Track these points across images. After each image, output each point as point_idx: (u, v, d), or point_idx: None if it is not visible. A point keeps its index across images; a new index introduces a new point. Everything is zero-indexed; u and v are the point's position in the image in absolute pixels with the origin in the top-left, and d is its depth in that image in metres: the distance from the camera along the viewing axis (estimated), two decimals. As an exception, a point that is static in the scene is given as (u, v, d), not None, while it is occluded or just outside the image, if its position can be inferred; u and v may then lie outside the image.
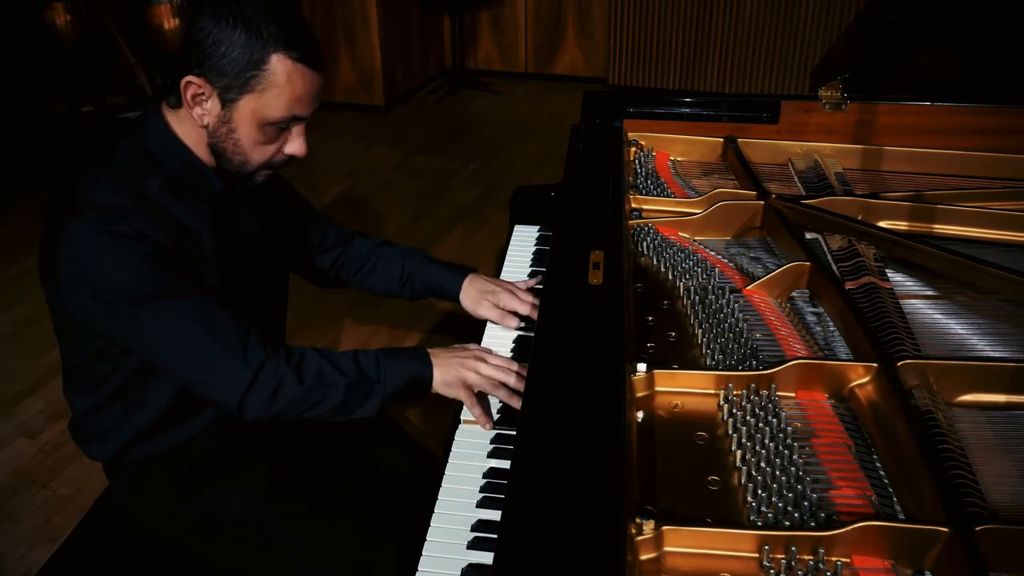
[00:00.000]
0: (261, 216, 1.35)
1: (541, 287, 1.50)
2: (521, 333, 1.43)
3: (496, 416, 1.24)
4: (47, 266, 1.17)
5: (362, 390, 1.20)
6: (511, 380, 1.24)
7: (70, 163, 1.21)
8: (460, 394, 1.23)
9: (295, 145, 1.20)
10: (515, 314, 1.45)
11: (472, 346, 1.32)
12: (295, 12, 1.15)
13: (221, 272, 1.24)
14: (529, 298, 1.46)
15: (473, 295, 1.48)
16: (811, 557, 0.87)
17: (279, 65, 1.11)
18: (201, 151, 1.20)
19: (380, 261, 1.55)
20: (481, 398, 1.24)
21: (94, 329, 1.19)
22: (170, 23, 4.24)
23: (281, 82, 1.12)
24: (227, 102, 1.13)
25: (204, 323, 1.15)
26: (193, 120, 1.17)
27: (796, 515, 0.92)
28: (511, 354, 1.38)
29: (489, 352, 1.30)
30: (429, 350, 1.27)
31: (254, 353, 1.16)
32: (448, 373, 1.24)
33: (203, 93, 1.13)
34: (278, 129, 1.17)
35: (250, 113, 1.13)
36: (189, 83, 1.12)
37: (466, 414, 1.24)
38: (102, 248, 1.10)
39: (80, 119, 4.64)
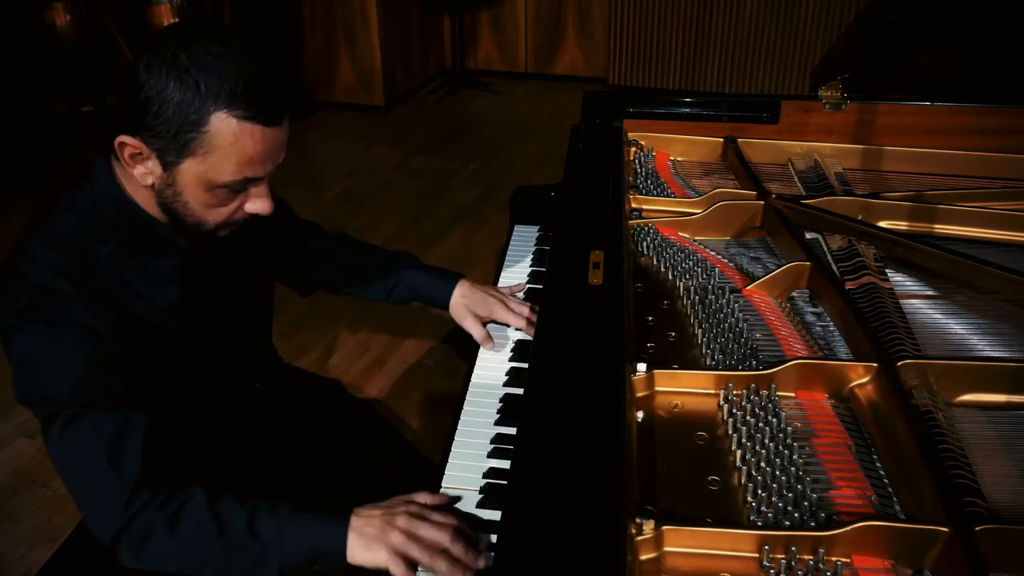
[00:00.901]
0: (233, 255, 1.25)
1: (533, 293, 1.51)
2: (521, 336, 1.42)
3: (496, 416, 1.24)
4: None
5: (246, 553, 1.01)
6: (456, 549, 0.98)
7: (49, 181, 1.13)
8: (381, 557, 0.99)
9: (256, 205, 1.06)
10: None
11: (417, 496, 1.06)
12: (253, 54, 0.99)
13: (188, 324, 1.17)
14: (522, 310, 1.42)
15: (461, 306, 1.43)
16: (811, 557, 0.87)
17: (221, 125, 0.96)
18: (155, 210, 1.08)
19: (367, 268, 1.50)
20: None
21: None
22: (170, 23, 4.25)
23: (226, 144, 0.97)
24: (168, 165, 1.00)
25: (109, 444, 1.02)
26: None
27: (796, 515, 0.92)
28: (511, 354, 1.38)
29: (427, 509, 1.04)
30: (356, 510, 1.04)
31: (139, 494, 1.02)
32: (367, 535, 1.01)
33: (141, 153, 1.00)
34: (231, 191, 1.04)
35: (194, 177, 1.00)
36: (122, 144, 0.99)
37: (465, 414, 1.24)
38: (32, 341, 1.02)
39: (80, 119, 4.64)
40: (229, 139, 0.97)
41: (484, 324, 1.42)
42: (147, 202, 1.08)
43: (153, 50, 0.96)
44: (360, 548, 1.01)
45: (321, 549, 1.01)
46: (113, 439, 1.03)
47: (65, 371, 1.02)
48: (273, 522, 1.02)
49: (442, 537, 0.99)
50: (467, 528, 1.02)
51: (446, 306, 1.46)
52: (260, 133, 0.99)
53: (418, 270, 1.50)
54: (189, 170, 1.00)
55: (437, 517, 1.02)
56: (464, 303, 1.44)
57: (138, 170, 1.02)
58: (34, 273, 1.03)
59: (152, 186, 1.04)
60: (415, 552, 0.98)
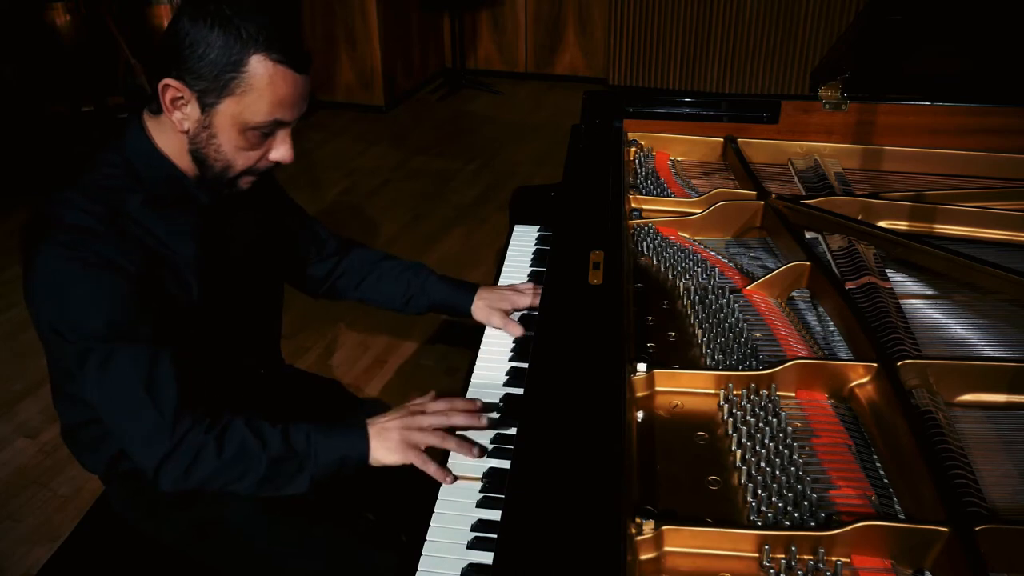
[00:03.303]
0: (253, 222, 1.33)
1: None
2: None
3: (496, 416, 1.23)
4: (24, 286, 1.14)
5: (288, 466, 1.14)
6: (456, 420, 1.18)
7: (51, 180, 1.18)
8: (409, 456, 1.15)
9: (281, 151, 1.15)
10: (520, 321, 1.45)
11: (414, 402, 1.23)
12: (281, 11, 1.10)
13: (205, 284, 1.21)
14: (531, 288, 1.48)
15: (483, 307, 1.48)
16: (811, 557, 0.87)
17: (259, 67, 1.06)
18: (184, 162, 1.16)
19: (384, 275, 1.52)
20: (436, 453, 1.16)
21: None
22: (170, 23, 4.23)
23: (262, 85, 1.07)
24: (206, 106, 1.09)
25: (145, 376, 1.09)
26: (174, 126, 1.12)
27: (796, 515, 0.92)
28: (511, 354, 1.38)
29: (427, 403, 1.22)
30: (368, 420, 1.19)
31: (183, 420, 1.11)
32: (388, 440, 1.16)
33: (181, 97, 1.09)
34: (261, 134, 1.12)
35: (230, 118, 1.09)
36: (167, 86, 1.08)
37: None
38: (65, 277, 1.07)
39: (80, 119, 4.64)
40: (264, 80, 1.07)
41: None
42: (176, 155, 1.16)
43: (193, 5, 1.06)
44: (381, 450, 1.16)
45: (348, 456, 1.16)
46: (148, 372, 1.10)
47: (98, 308, 1.08)
48: (304, 437, 1.16)
49: (443, 420, 1.17)
50: (466, 404, 1.21)
51: (467, 313, 1.50)
52: (291, 77, 1.09)
53: (437, 280, 1.52)
54: (226, 111, 1.08)
55: (435, 406, 1.20)
56: (484, 304, 1.48)
57: (176, 115, 1.10)
58: (67, 215, 1.10)
59: (187, 132, 1.12)
60: (429, 439, 1.16)
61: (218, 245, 1.24)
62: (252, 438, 1.13)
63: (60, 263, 1.07)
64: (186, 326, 1.18)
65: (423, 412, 1.19)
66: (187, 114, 1.10)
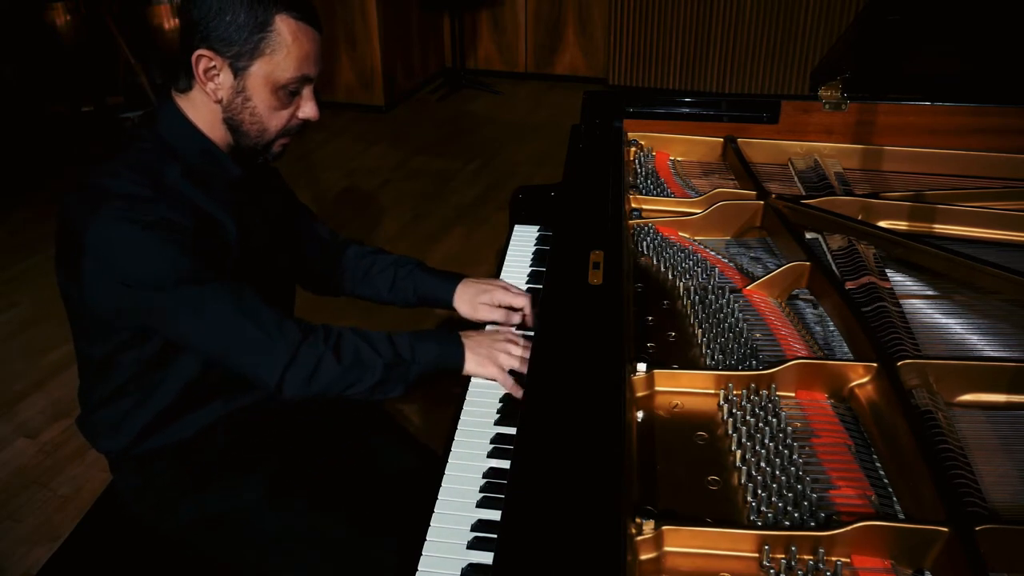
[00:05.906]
0: (278, 206, 1.38)
1: (533, 293, 1.51)
2: (522, 333, 1.42)
3: (496, 416, 1.24)
4: (67, 261, 1.17)
5: (398, 371, 1.24)
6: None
7: (88, 158, 1.20)
8: (492, 372, 1.27)
9: (308, 108, 1.22)
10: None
11: (503, 330, 1.37)
12: None
13: (242, 260, 1.24)
14: (523, 292, 1.47)
15: (468, 300, 1.48)
16: (811, 557, 0.87)
17: (283, 25, 1.14)
18: (216, 135, 1.21)
19: (372, 268, 1.54)
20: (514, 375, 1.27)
21: (121, 319, 1.19)
22: (170, 23, 4.25)
23: (288, 42, 1.14)
24: (239, 70, 1.15)
25: (239, 305, 1.16)
26: (206, 101, 1.18)
27: (796, 515, 0.92)
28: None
29: (519, 337, 1.33)
30: (461, 332, 1.31)
31: (291, 332, 1.18)
32: (479, 353, 1.28)
33: (214, 66, 1.14)
34: (289, 93, 1.19)
35: (262, 78, 1.16)
36: (200, 56, 1.13)
37: (465, 413, 1.24)
38: (130, 237, 1.11)
39: (80, 119, 4.64)
40: (290, 37, 1.15)
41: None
42: (209, 128, 1.21)
43: None
44: (473, 363, 1.28)
45: (443, 364, 1.28)
46: (235, 300, 1.17)
47: (167, 257, 1.13)
48: (408, 343, 1.26)
49: (527, 353, 1.23)
50: None
51: (450, 305, 1.50)
52: (311, 33, 1.18)
53: (423, 271, 1.53)
54: (259, 72, 1.16)
55: (524, 342, 1.30)
56: (467, 298, 1.48)
57: (210, 86, 1.17)
58: (116, 186, 1.14)
59: (221, 101, 1.18)
60: (514, 363, 1.27)
61: (251, 219, 1.28)
62: (365, 346, 1.23)
63: (122, 224, 1.11)
64: None
65: (514, 341, 1.30)
66: (220, 83, 1.16)
